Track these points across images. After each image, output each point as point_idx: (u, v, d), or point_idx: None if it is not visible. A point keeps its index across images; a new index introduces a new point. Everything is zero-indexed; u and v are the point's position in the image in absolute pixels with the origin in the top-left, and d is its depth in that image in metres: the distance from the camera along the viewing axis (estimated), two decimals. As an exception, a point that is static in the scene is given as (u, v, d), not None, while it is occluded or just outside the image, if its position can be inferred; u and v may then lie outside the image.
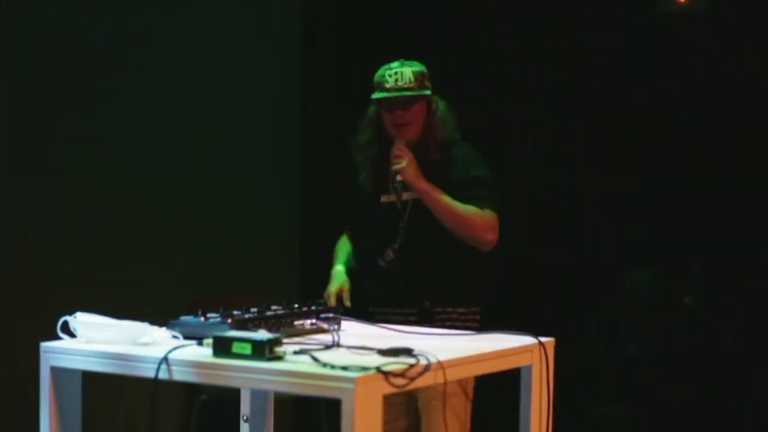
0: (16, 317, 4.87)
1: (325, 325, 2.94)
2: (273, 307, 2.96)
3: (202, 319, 2.82)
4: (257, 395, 3.32)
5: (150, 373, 2.61)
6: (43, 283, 4.97)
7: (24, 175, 5.01)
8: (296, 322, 2.90)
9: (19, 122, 5.00)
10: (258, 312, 2.87)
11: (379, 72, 3.99)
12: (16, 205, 4.97)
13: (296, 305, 2.98)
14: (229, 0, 6.03)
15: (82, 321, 2.82)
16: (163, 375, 2.59)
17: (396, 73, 3.94)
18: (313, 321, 2.94)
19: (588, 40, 7.20)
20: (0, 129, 4.94)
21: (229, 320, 2.74)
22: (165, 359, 2.59)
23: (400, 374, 2.42)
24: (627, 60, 7.25)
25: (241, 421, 3.34)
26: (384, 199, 4.00)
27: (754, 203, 7.06)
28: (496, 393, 6.16)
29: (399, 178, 3.88)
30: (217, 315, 2.82)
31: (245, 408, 3.34)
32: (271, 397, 3.37)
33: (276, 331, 2.73)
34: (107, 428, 5.28)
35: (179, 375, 2.62)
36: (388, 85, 3.94)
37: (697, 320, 7.41)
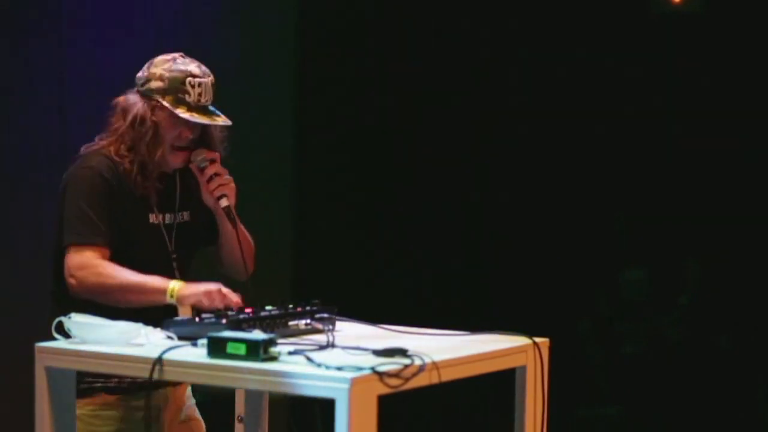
0: (11, 317, 4.86)
1: (319, 326, 2.94)
2: (267, 308, 2.96)
3: (197, 319, 2.82)
4: (252, 395, 3.32)
5: (144, 374, 2.61)
6: (38, 283, 4.95)
7: (23, 175, 5.01)
8: (291, 323, 2.90)
9: (19, 121, 5.00)
10: (252, 312, 2.87)
11: (174, 70, 3.32)
12: (13, 204, 4.97)
13: (291, 306, 2.98)
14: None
15: (76, 321, 2.82)
16: (157, 375, 2.60)
17: (200, 84, 3.31)
18: (308, 321, 2.94)
19: (584, 41, 7.22)
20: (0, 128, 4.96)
21: (224, 321, 2.74)
22: (159, 360, 2.59)
23: (395, 375, 2.43)
24: (623, 60, 7.26)
25: (236, 422, 3.34)
26: (153, 219, 3.37)
27: (749, 202, 7.06)
28: (490, 394, 6.16)
29: (226, 203, 3.37)
30: (212, 315, 2.82)
31: (240, 408, 3.34)
32: (266, 398, 3.37)
33: (271, 332, 2.74)
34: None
35: (174, 375, 2.62)
36: (190, 99, 3.29)
37: (692, 320, 7.41)
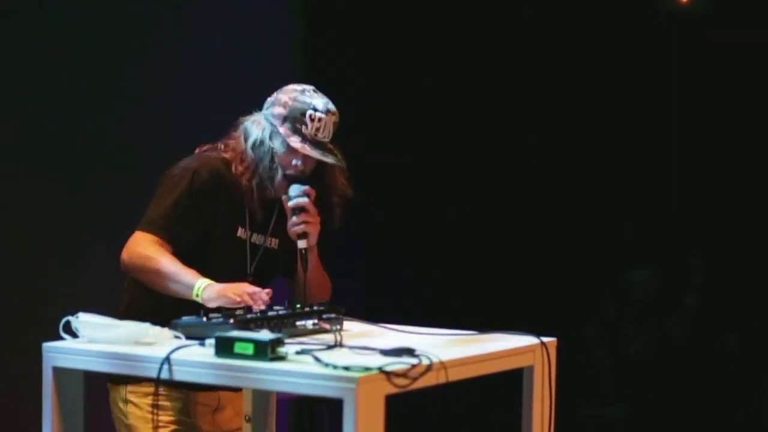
0: (18, 317, 4.87)
1: (327, 326, 2.94)
2: (275, 308, 2.96)
3: (205, 319, 2.82)
4: (259, 395, 3.33)
5: (152, 373, 2.61)
6: (46, 282, 4.97)
7: (25, 174, 5.01)
8: (298, 323, 2.90)
9: (20, 121, 5.00)
10: (260, 312, 2.87)
11: (298, 100, 3.33)
12: (18, 204, 4.97)
13: (298, 306, 2.98)
14: None
15: (84, 321, 2.82)
16: (165, 375, 2.60)
17: (320, 120, 3.30)
18: (316, 321, 2.95)
19: (591, 40, 7.21)
20: (0, 128, 4.95)
21: (231, 320, 2.74)
22: (167, 359, 2.59)
23: (403, 374, 2.43)
24: (627, 60, 7.26)
25: (244, 421, 3.35)
26: (241, 234, 3.39)
27: (756, 202, 7.06)
28: (497, 394, 6.13)
29: (303, 245, 3.30)
30: (219, 315, 2.82)
31: (247, 408, 3.34)
32: (273, 397, 3.38)
33: (278, 332, 2.74)
34: (108, 428, 5.27)
35: (181, 375, 2.62)
36: (306, 131, 3.29)
37: (698, 320, 7.41)
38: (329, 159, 3.32)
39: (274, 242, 3.44)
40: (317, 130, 3.29)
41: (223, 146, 3.39)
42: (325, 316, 2.97)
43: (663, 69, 7.24)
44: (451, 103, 7.03)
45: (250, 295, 3.05)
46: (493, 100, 7.12)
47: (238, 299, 3.03)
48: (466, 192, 7.14)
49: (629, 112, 7.36)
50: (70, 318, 2.83)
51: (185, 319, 2.87)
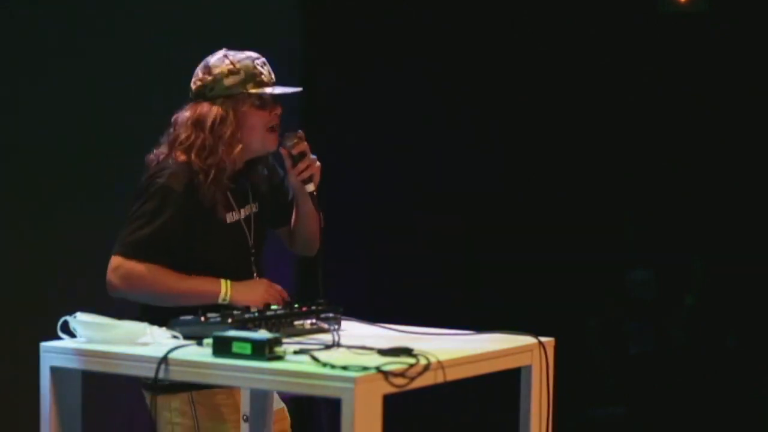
0: (16, 317, 4.87)
1: (325, 325, 2.94)
2: (273, 307, 2.96)
3: (202, 319, 2.82)
4: (257, 395, 3.33)
5: (150, 373, 2.61)
6: (43, 282, 4.96)
7: (24, 174, 5.01)
8: (296, 322, 2.90)
9: (19, 121, 5.00)
10: (258, 312, 2.87)
11: (240, 62, 3.32)
12: (16, 203, 4.97)
13: (296, 305, 2.98)
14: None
15: (82, 321, 2.82)
16: (163, 375, 2.60)
17: (264, 64, 3.36)
18: (313, 321, 2.94)
19: (588, 40, 7.21)
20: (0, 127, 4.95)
21: (229, 320, 2.74)
22: (165, 359, 2.59)
23: (400, 374, 2.43)
24: (626, 60, 7.26)
25: (241, 421, 3.35)
26: (230, 218, 3.37)
27: (756, 201, 7.06)
28: (495, 394, 6.12)
29: (312, 188, 3.45)
30: (217, 315, 2.82)
31: (245, 408, 3.34)
32: (271, 397, 3.38)
33: (276, 331, 2.74)
34: (107, 428, 5.28)
35: (179, 375, 2.62)
36: (266, 79, 3.33)
37: (698, 320, 7.41)
38: (298, 88, 3.37)
39: (255, 207, 3.47)
40: (270, 73, 3.36)
41: (172, 150, 3.34)
42: (323, 315, 2.97)
43: (663, 68, 7.24)
44: (451, 104, 7.03)
45: (272, 294, 3.22)
46: (490, 98, 7.12)
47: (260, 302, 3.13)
48: (465, 191, 7.14)
49: (629, 111, 7.36)
50: (67, 318, 2.83)
51: (183, 318, 2.87)
